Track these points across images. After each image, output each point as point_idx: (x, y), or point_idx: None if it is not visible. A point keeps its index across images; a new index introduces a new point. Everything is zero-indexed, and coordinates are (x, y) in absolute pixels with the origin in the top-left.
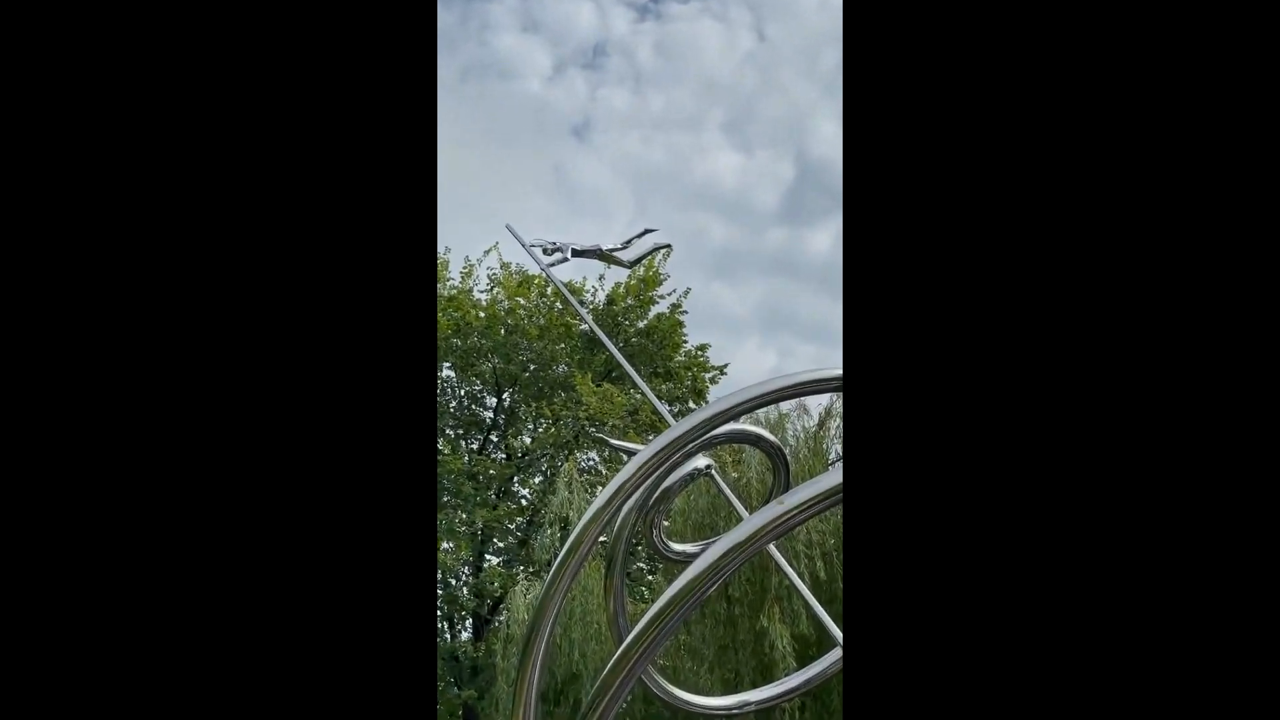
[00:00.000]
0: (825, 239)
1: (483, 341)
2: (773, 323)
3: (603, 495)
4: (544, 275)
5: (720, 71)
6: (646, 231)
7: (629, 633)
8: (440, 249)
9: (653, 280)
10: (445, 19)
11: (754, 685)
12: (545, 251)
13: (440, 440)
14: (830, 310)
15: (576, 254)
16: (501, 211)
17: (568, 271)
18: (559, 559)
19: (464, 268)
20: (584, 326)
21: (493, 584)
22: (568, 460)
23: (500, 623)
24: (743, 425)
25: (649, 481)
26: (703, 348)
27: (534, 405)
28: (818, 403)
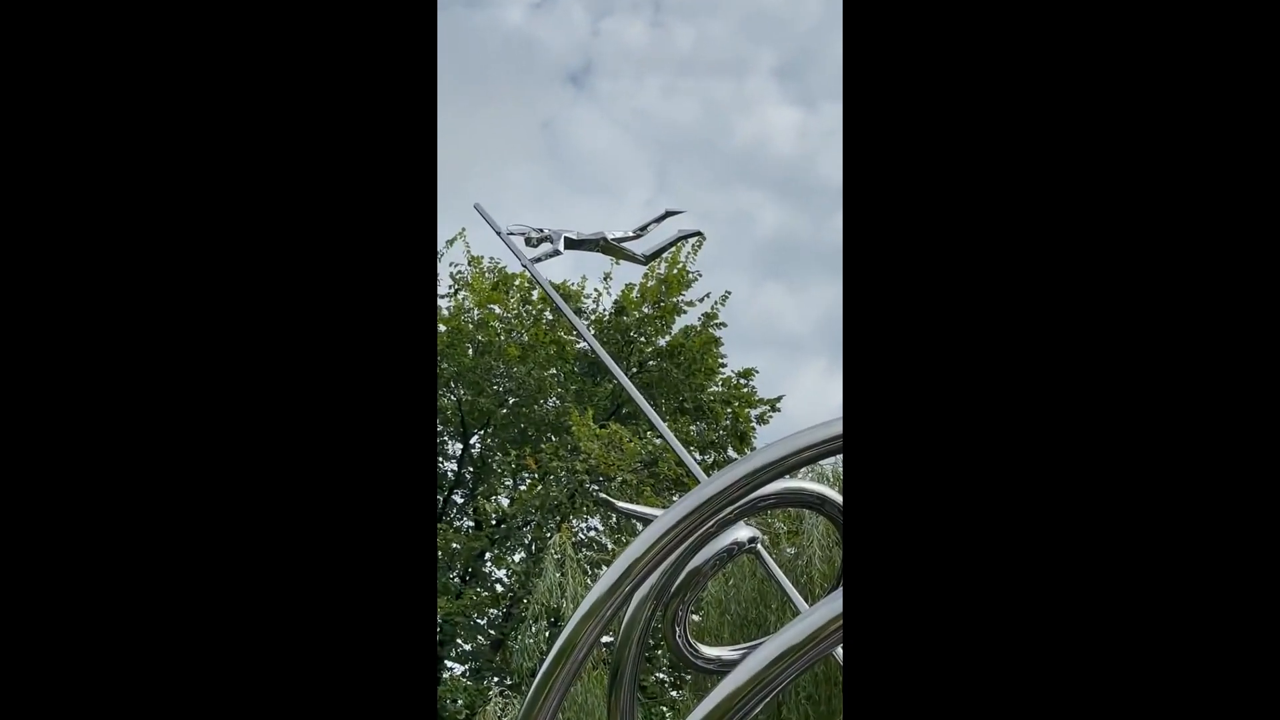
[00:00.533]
0: None
1: (443, 365)
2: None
3: (607, 578)
4: (528, 273)
5: None
6: (668, 214)
7: None
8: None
9: (678, 281)
10: None
11: None
12: (529, 241)
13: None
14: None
15: (571, 245)
16: (471, 187)
17: (560, 268)
18: (545, 667)
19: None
20: (582, 345)
21: (454, 701)
22: (559, 530)
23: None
24: (801, 482)
25: (671, 559)
26: (747, 374)
27: (513, 454)
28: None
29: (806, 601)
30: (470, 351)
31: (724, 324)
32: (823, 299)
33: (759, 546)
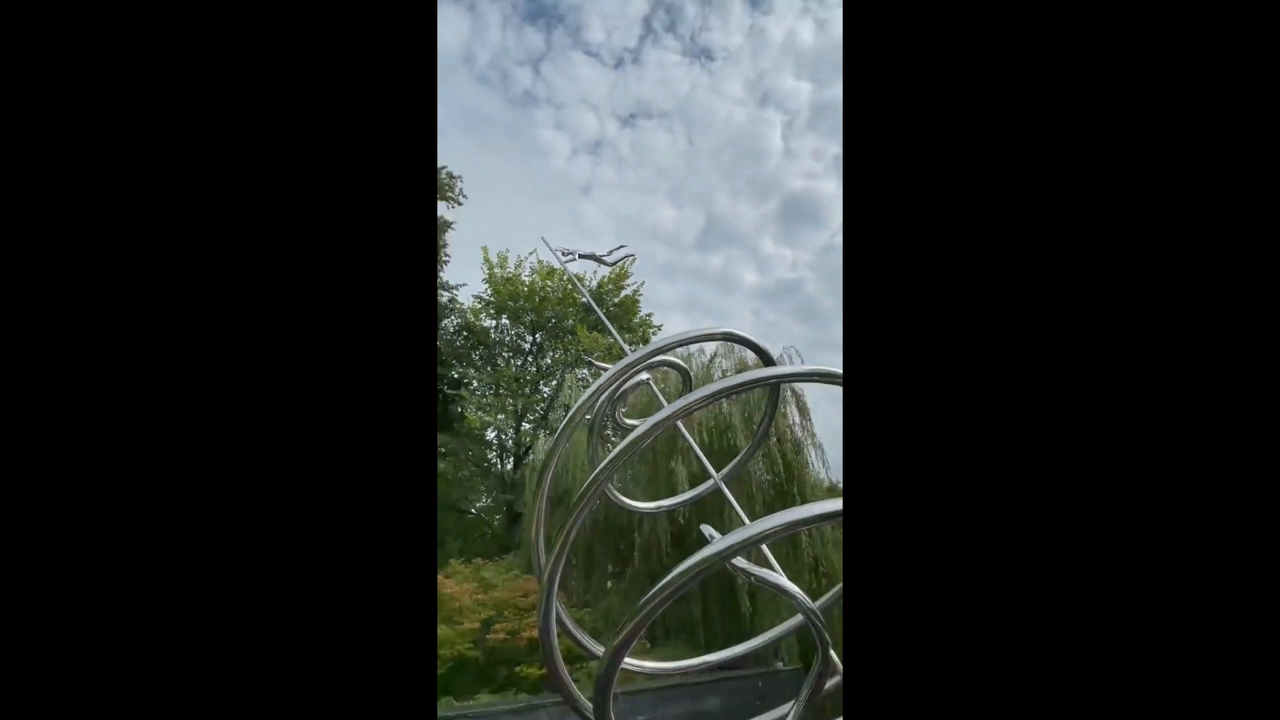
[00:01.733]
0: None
1: (526, 304)
2: (690, 305)
3: (588, 392)
4: (563, 269)
5: None
6: (621, 247)
7: (600, 464)
8: (505, 250)
9: (622, 275)
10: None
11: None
12: (563, 255)
13: (499, 358)
14: (699, 290)
15: (581, 257)
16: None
17: (575, 267)
18: (562, 425)
19: (515, 264)
20: (584, 300)
21: (525, 439)
22: (570, 373)
23: (529, 459)
24: (667, 357)
25: (615, 385)
26: (649, 315)
27: (553, 341)
28: (712, 348)
29: (666, 402)
30: (537, 299)
31: (641, 295)
32: (680, 288)
33: (650, 382)
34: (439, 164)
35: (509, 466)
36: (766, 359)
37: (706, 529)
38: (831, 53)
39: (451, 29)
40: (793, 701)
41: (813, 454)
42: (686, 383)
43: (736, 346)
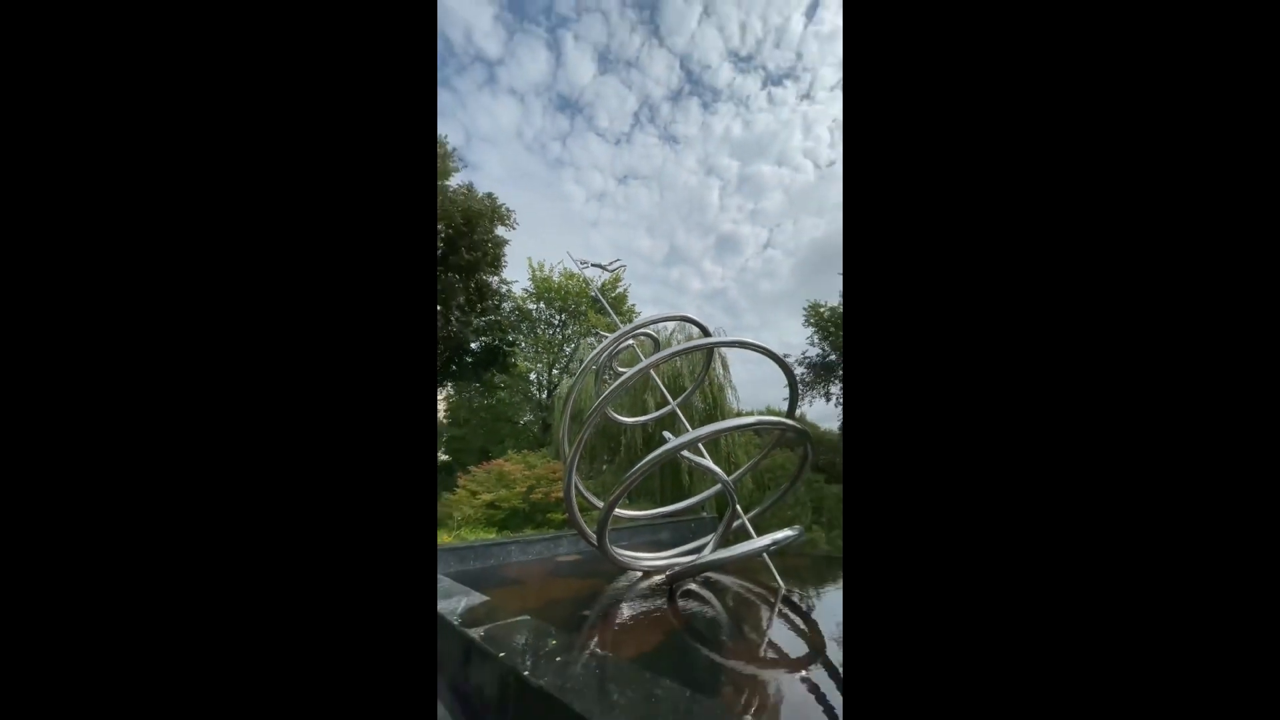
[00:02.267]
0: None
1: (555, 296)
2: (657, 301)
3: (595, 351)
4: (580, 272)
5: None
6: (616, 260)
7: (602, 396)
8: (543, 260)
9: (616, 280)
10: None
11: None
12: (580, 263)
13: (539, 330)
14: (662, 292)
15: (593, 265)
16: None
17: (588, 272)
18: (579, 372)
19: (549, 270)
20: (593, 294)
21: (555, 380)
22: (583, 340)
23: (557, 391)
24: (645, 330)
25: (612, 347)
26: (632, 305)
27: (572, 320)
28: (672, 326)
29: (643, 357)
30: (563, 294)
31: (627, 292)
32: (650, 287)
33: (634, 345)
34: (498, 201)
35: (544, 396)
36: (705, 333)
37: (666, 434)
38: (755, 142)
39: (508, 112)
40: (713, 534)
41: (730, 393)
42: (656, 347)
43: (688, 325)
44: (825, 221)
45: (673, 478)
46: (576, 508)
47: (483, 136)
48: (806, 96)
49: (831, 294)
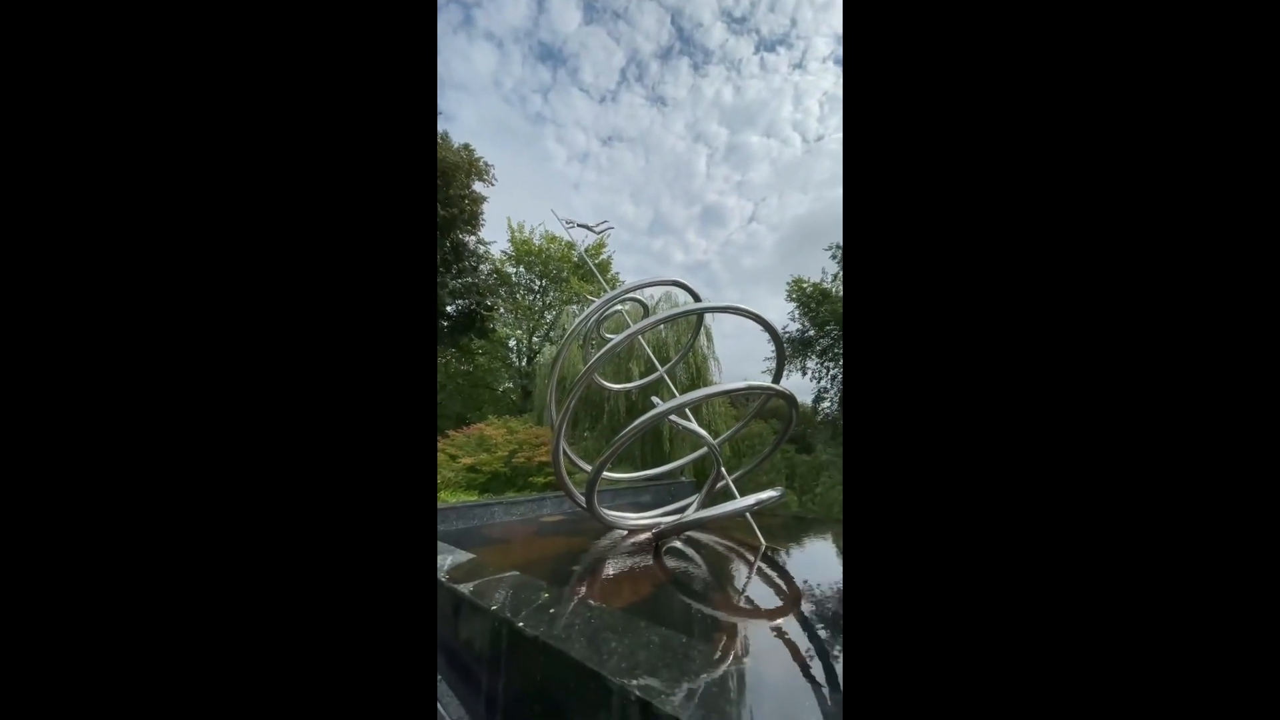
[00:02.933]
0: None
1: (535, 259)
2: (639, 272)
3: (581, 316)
4: (566, 233)
5: None
6: (603, 222)
7: (590, 361)
8: (522, 221)
9: (600, 245)
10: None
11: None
12: (566, 223)
13: (518, 295)
14: (645, 262)
15: (579, 225)
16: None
17: (572, 233)
18: (566, 336)
19: (529, 231)
20: (576, 257)
21: (535, 347)
22: (564, 307)
23: (537, 359)
24: (633, 295)
25: (599, 313)
26: (616, 274)
27: (553, 285)
28: (652, 292)
29: (632, 324)
30: (544, 256)
31: (612, 257)
32: (634, 257)
33: (623, 311)
34: (475, 154)
35: (523, 363)
36: (696, 298)
37: (655, 399)
38: (745, 109)
39: (485, 58)
40: (694, 496)
41: (712, 363)
42: (646, 312)
43: (674, 293)
44: (810, 198)
45: (654, 443)
46: (564, 470)
47: (457, 84)
48: (799, 66)
49: (813, 271)
